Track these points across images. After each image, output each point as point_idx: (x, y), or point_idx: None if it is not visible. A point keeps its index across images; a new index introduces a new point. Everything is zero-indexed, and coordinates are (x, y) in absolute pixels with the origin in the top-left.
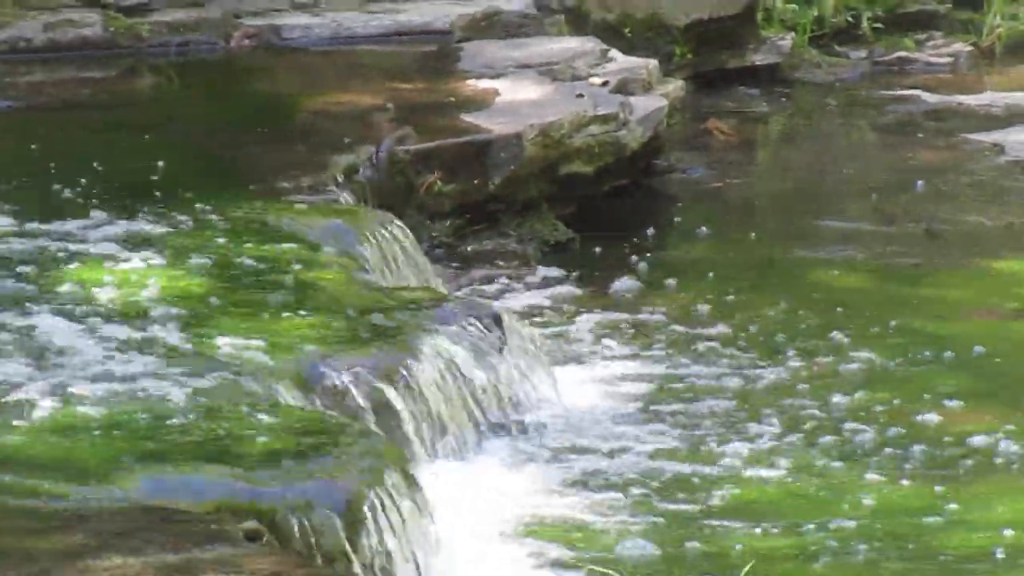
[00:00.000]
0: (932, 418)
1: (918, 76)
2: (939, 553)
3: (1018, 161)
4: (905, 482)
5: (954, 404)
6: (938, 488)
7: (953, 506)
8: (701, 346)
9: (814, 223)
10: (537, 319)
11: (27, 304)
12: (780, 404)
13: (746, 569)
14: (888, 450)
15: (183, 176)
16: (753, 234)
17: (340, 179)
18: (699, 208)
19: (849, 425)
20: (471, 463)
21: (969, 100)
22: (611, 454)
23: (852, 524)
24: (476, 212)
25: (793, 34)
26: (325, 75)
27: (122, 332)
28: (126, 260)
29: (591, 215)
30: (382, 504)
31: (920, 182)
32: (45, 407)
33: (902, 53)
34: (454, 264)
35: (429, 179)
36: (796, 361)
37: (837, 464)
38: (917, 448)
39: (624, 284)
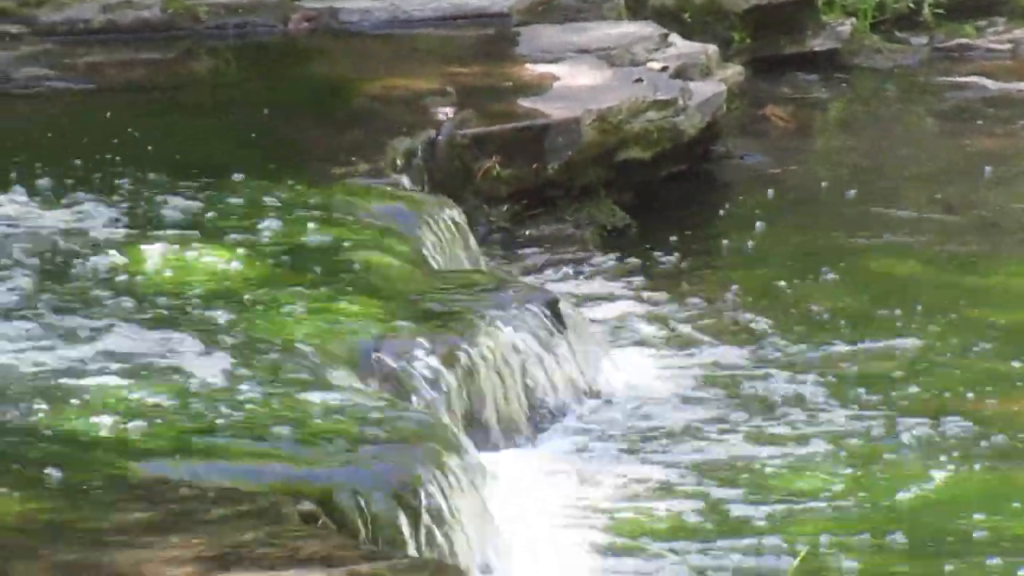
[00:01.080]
0: (992, 405)
1: (978, 63)
2: (1003, 541)
3: None
4: (965, 470)
5: (1014, 392)
6: (1001, 476)
7: (1017, 494)
8: (758, 332)
9: (872, 210)
10: (594, 304)
11: (83, 286)
12: (837, 391)
13: (802, 555)
14: (947, 438)
15: (240, 159)
16: (810, 221)
17: (398, 163)
18: (756, 195)
19: (908, 413)
20: (527, 448)
21: None
22: (668, 439)
23: (911, 512)
24: (533, 197)
25: (853, 20)
26: (382, 59)
27: (179, 314)
28: (182, 242)
29: (648, 201)
30: (438, 488)
31: (988, 168)
32: (105, 388)
33: (963, 39)
34: (511, 249)
35: (487, 164)
36: (854, 348)
37: (896, 451)
38: (977, 436)
39: (681, 270)
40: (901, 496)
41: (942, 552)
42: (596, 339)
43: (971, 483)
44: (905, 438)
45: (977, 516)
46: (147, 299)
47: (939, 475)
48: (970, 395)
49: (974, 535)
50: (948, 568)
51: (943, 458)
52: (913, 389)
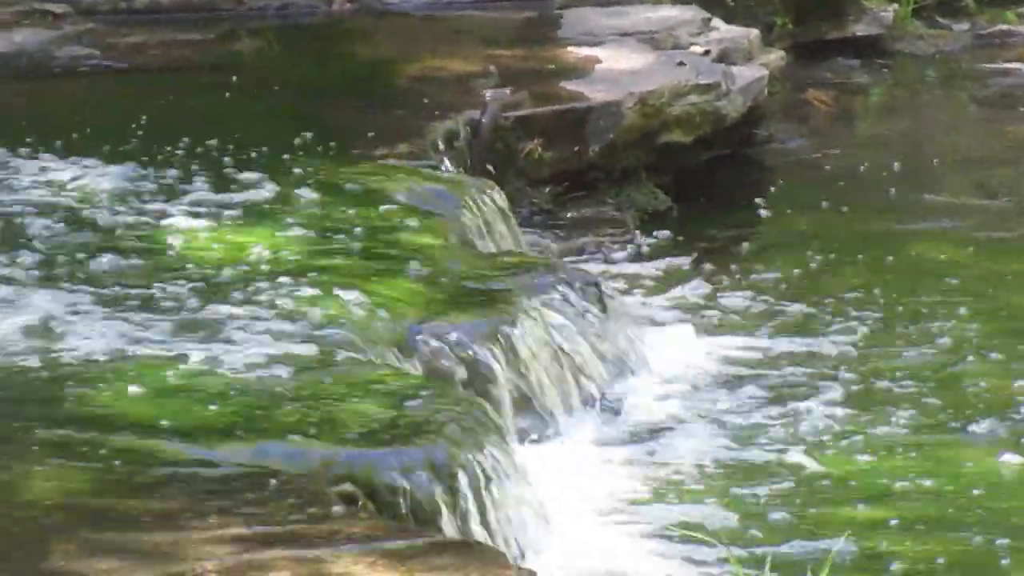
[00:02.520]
0: None
1: (1020, 49)
2: None
3: None
4: (1007, 456)
5: None
6: None
7: None
8: (798, 317)
9: (913, 196)
10: (635, 286)
11: (126, 268)
12: (878, 376)
13: (841, 540)
14: (988, 423)
15: (283, 139)
16: (851, 206)
17: (440, 145)
18: (797, 179)
19: (949, 397)
20: (569, 430)
21: None
22: (709, 423)
23: (951, 498)
24: (575, 179)
25: (896, 5)
26: (425, 40)
27: (221, 296)
28: (225, 223)
29: (689, 184)
30: (479, 470)
31: None
32: (145, 368)
33: (1004, 26)
34: (553, 231)
35: (529, 146)
36: (895, 333)
37: (936, 436)
38: (1018, 422)
39: (721, 253)
40: (936, 480)
41: (991, 540)
42: (636, 321)
43: (1007, 467)
44: (948, 424)
45: (1021, 503)
46: (186, 278)
47: (975, 459)
48: (1009, 381)
49: (1011, 520)
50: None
51: (988, 445)
52: (956, 375)
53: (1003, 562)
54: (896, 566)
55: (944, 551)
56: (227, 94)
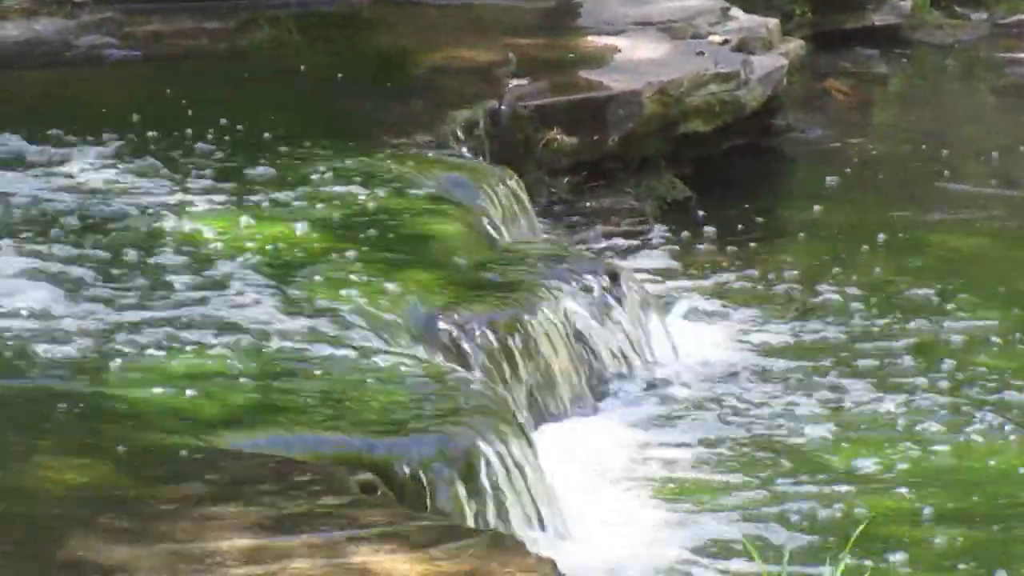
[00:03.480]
0: None
1: None
2: None
3: None
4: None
5: None
6: None
7: None
8: (817, 306)
9: (932, 185)
10: (653, 275)
11: (147, 257)
12: (896, 366)
13: (860, 528)
14: (1006, 415)
15: (302, 128)
16: (870, 196)
17: (459, 133)
18: (816, 169)
19: (967, 389)
20: (586, 418)
21: None
22: (726, 411)
23: (971, 488)
24: (594, 169)
25: None
26: (444, 29)
27: (242, 283)
28: (245, 211)
29: (709, 174)
30: (497, 458)
31: None
32: (163, 357)
33: (1022, 16)
34: (572, 220)
35: (549, 135)
36: (914, 323)
37: (953, 427)
38: None
39: (740, 242)
40: (956, 470)
41: (1008, 525)
42: (655, 310)
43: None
44: (966, 413)
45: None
46: (207, 266)
47: (992, 449)
48: None
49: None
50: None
51: (1007, 432)
52: (975, 364)
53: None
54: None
55: (965, 539)
56: (245, 83)
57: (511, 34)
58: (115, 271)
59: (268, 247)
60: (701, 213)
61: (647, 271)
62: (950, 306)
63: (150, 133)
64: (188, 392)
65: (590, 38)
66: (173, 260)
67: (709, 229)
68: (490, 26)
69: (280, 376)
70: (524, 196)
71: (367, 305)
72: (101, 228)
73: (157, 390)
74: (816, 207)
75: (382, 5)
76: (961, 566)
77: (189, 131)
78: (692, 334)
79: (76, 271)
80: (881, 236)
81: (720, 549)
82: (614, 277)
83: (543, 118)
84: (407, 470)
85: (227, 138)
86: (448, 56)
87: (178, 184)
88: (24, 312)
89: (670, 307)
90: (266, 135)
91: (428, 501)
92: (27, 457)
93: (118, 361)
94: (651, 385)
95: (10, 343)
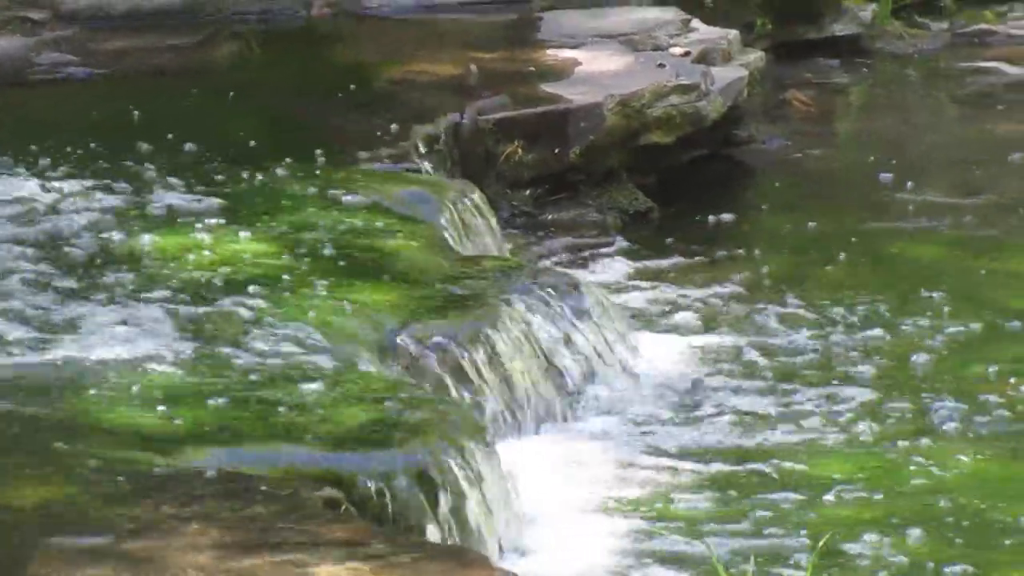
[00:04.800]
0: (1010, 389)
1: (999, 48)
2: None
3: None
4: (986, 454)
5: None
6: (1019, 460)
7: None
8: (778, 316)
9: (893, 195)
10: (616, 288)
11: (106, 274)
12: (856, 374)
13: (824, 539)
14: (967, 421)
15: (262, 144)
16: (832, 205)
17: (421, 148)
18: (778, 179)
19: (926, 396)
20: (550, 432)
21: None
22: (689, 424)
23: (932, 496)
24: (556, 181)
25: (874, 5)
26: (405, 44)
27: (202, 301)
28: (205, 228)
29: (670, 185)
30: (460, 472)
31: (1014, 154)
32: (125, 376)
33: (983, 25)
34: (534, 233)
35: (510, 148)
36: (874, 332)
37: (915, 435)
38: (996, 420)
39: (702, 254)
40: (922, 481)
41: (967, 536)
42: (618, 323)
43: (994, 467)
44: (928, 422)
45: (1001, 501)
46: (167, 286)
47: (955, 456)
48: (992, 379)
49: (996, 518)
50: (971, 552)
51: (965, 442)
52: (935, 373)
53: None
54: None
55: (927, 550)
56: (207, 99)
57: (472, 48)
58: (70, 288)
59: (225, 263)
60: (663, 224)
61: (609, 283)
62: (911, 315)
63: (109, 150)
64: (149, 409)
65: (551, 51)
66: (127, 277)
67: (671, 240)
68: (451, 40)
69: (242, 392)
70: (487, 209)
71: (328, 321)
72: (53, 245)
73: (119, 408)
74: (777, 217)
75: (342, 20)
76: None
77: (147, 147)
78: (654, 345)
79: (31, 287)
80: (842, 245)
81: (683, 562)
82: (576, 289)
83: (504, 131)
84: (370, 486)
85: (185, 154)
86: (409, 70)
87: (133, 200)
88: None
89: (632, 318)
90: (226, 150)
91: (392, 517)
92: None
93: (78, 379)
94: (614, 398)
95: None
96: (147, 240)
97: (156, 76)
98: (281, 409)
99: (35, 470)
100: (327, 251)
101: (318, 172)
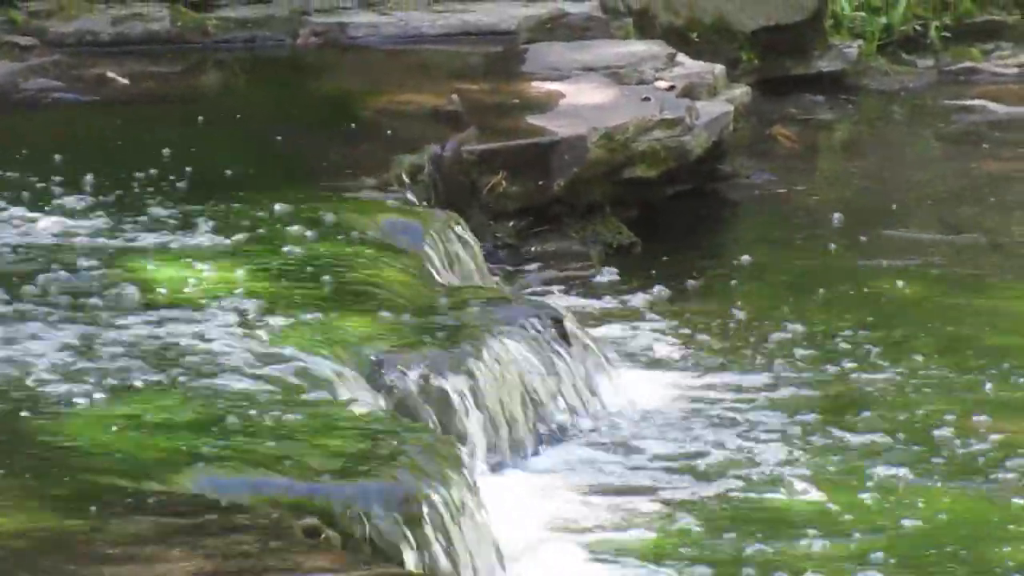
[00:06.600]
0: (988, 429)
1: (985, 86)
2: (996, 565)
3: None
4: (962, 492)
5: (1013, 416)
6: (995, 499)
7: (1012, 517)
8: (760, 353)
9: (877, 232)
10: (598, 321)
11: (87, 300)
12: (836, 412)
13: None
14: (944, 460)
15: (247, 172)
16: (815, 241)
17: (404, 178)
18: (762, 214)
19: (902, 435)
20: (531, 465)
21: None
22: (668, 459)
23: (908, 534)
24: (539, 214)
25: (861, 42)
26: (391, 74)
27: (184, 328)
28: (188, 256)
29: (654, 219)
30: (441, 503)
31: (994, 192)
32: (107, 402)
33: (969, 63)
34: (517, 265)
35: (493, 180)
36: (855, 368)
37: (892, 473)
38: (974, 459)
39: (685, 288)
40: (892, 517)
41: (930, 571)
42: (600, 356)
43: (963, 505)
44: (899, 459)
45: (968, 539)
46: (149, 311)
47: (931, 495)
48: (969, 417)
49: (962, 556)
50: None
51: (937, 479)
52: (912, 410)
53: None
54: None
55: None
56: (192, 127)
57: (458, 79)
58: (54, 313)
59: (209, 292)
60: (645, 257)
61: (592, 316)
62: (892, 351)
63: (94, 177)
64: (132, 434)
65: (536, 83)
66: (112, 304)
67: (654, 274)
68: (436, 71)
69: (224, 419)
70: (471, 240)
71: (311, 350)
72: (38, 271)
73: (102, 433)
74: (760, 253)
75: (328, 50)
76: None
77: (131, 174)
78: (635, 380)
79: (14, 313)
80: (824, 281)
81: None
82: (559, 322)
83: (488, 163)
84: (352, 515)
85: (170, 182)
86: (393, 100)
87: (117, 227)
88: None
89: (614, 352)
90: (210, 178)
91: (372, 547)
92: None
93: (62, 403)
94: (595, 431)
95: None
96: (123, 267)
97: (141, 103)
98: (263, 437)
99: (16, 494)
100: (309, 280)
101: (301, 201)
